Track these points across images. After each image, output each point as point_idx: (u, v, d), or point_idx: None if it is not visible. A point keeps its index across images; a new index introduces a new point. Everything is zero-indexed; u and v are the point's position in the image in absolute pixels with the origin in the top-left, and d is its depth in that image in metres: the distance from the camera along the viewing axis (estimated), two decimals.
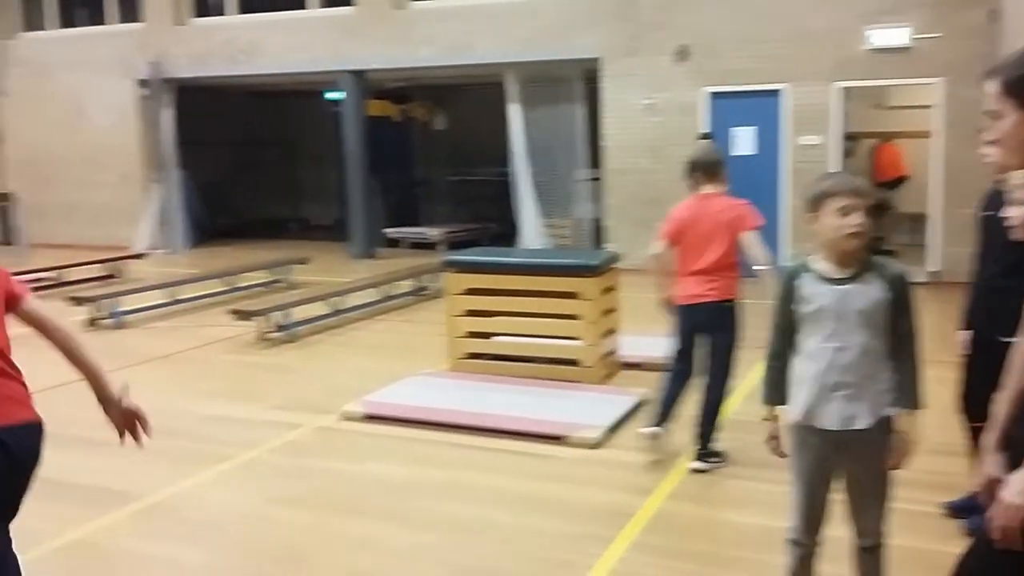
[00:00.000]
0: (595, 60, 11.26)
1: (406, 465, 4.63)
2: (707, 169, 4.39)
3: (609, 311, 6.15)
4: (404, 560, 3.59)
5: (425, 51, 12.15)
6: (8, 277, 2.62)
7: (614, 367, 6.19)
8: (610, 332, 6.16)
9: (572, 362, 5.97)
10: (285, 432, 5.20)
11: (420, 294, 9.42)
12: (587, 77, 11.70)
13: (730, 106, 10.66)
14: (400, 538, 3.78)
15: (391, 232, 13.69)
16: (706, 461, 4.39)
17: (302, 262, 10.79)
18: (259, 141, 16.80)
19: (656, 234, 4.42)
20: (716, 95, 10.71)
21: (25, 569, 3.53)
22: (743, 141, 10.56)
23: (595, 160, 11.89)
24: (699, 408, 4.41)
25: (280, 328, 7.68)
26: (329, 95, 14.33)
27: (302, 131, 17.13)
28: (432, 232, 13.57)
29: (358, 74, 12.62)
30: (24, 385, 2.63)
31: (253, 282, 10.06)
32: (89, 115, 14.14)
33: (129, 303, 8.63)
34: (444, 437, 5.00)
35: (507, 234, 12.59)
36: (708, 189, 4.36)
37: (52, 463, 4.82)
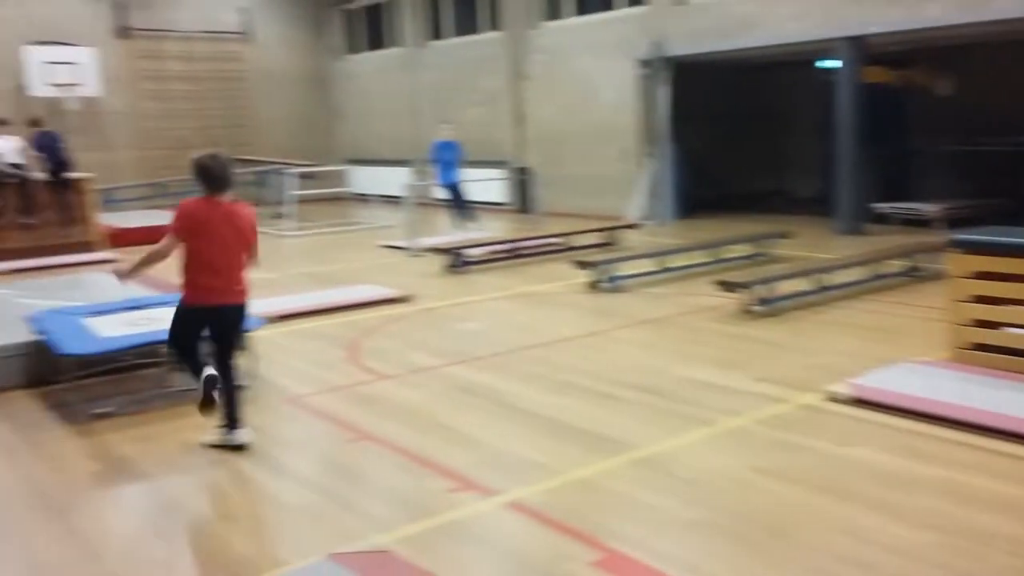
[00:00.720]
0: None
1: (899, 456, 4.41)
2: None
3: None
4: (896, 555, 3.45)
5: (934, 10, 11.12)
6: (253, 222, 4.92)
7: None
8: None
9: None
10: (769, 405, 5.27)
11: (913, 275, 8.77)
12: None
13: None
14: (891, 532, 3.63)
15: (880, 207, 12.88)
16: None
17: (784, 236, 10.68)
18: (745, 114, 16.88)
19: None
20: None
21: (539, 498, 4.10)
22: None
23: None
24: None
25: (762, 301, 7.74)
26: (821, 63, 13.85)
27: (788, 102, 16.82)
28: (928, 208, 12.47)
29: (856, 40, 12.01)
30: (243, 284, 4.86)
31: (735, 255, 10.22)
32: (596, 95, 15.47)
33: (623, 269, 9.35)
34: (942, 432, 4.65)
35: (1021, 211, 11.12)
36: None
37: (561, 407, 5.49)
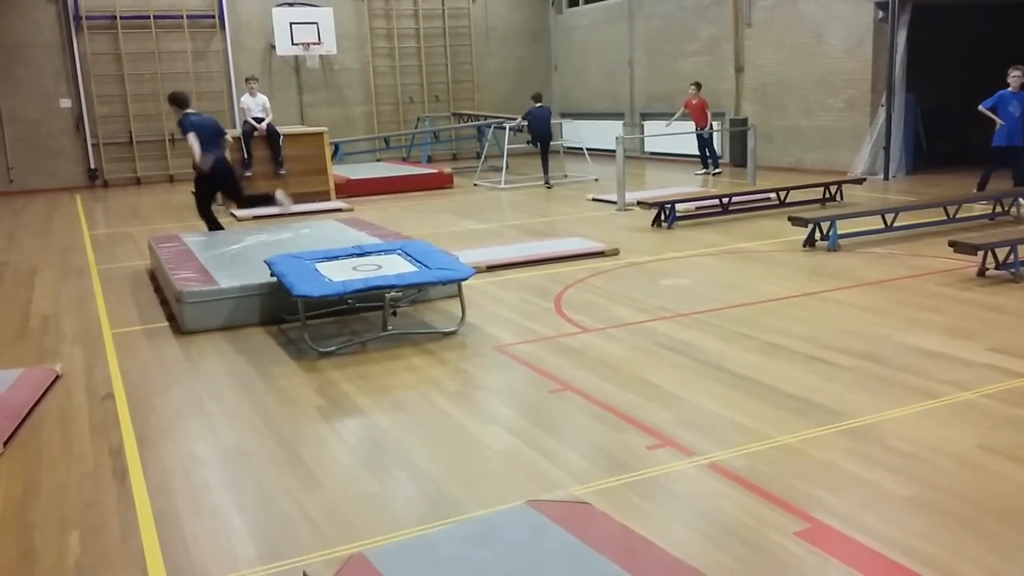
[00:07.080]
0: None
1: None
2: None
3: None
4: None
5: None
6: None
7: None
8: None
9: None
10: (1003, 378, 4.82)
11: None
12: None
13: None
14: None
15: None
16: None
17: None
18: (993, 60, 15.26)
19: None
20: None
21: (740, 461, 3.98)
22: None
23: None
24: None
25: (1003, 265, 7.06)
26: None
27: None
28: None
29: None
30: None
31: (975, 213, 9.36)
32: (824, 42, 14.54)
33: (844, 227, 8.81)
34: None
35: None
36: None
37: (768, 369, 5.29)
